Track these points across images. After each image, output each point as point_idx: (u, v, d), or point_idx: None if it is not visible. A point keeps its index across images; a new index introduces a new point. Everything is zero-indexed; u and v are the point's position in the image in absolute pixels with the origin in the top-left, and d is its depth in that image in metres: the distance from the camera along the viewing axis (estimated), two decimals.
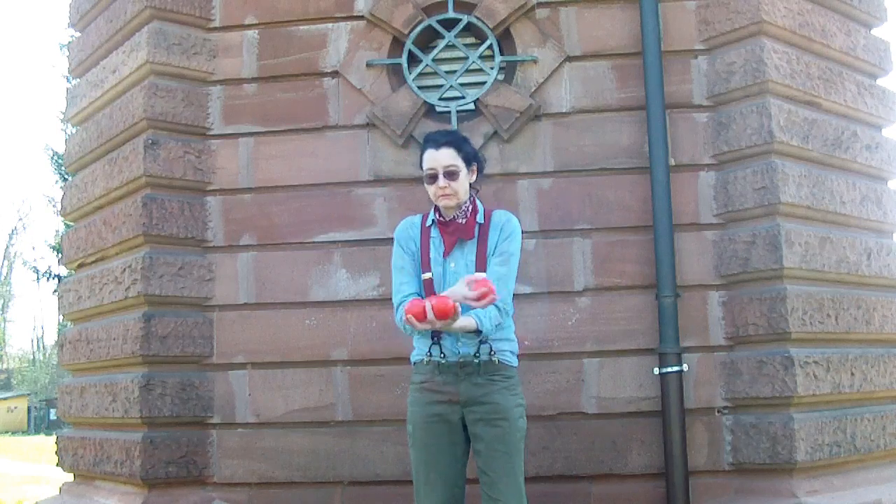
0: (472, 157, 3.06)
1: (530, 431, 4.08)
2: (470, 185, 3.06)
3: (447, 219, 3.04)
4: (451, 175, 2.97)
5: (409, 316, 2.75)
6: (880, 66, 4.95)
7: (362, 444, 4.26)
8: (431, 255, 3.03)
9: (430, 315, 2.72)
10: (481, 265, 2.99)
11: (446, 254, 3.02)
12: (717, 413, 4.15)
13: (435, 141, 3.04)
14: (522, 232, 4.22)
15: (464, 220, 3.02)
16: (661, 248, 4.15)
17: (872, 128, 4.83)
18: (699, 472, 4.10)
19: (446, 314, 2.73)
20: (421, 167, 3.07)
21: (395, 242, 3.12)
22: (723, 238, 4.24)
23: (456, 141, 3.04)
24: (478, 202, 3.10)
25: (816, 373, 4.06)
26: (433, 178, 2.99)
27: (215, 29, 4.68)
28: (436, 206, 3.08)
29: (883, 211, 4.71)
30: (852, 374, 4.24)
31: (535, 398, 4.17)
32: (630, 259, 4.26)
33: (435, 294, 2.91)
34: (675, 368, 4.06)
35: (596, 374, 4.19)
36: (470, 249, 3.03)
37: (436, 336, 2.97)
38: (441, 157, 2.99)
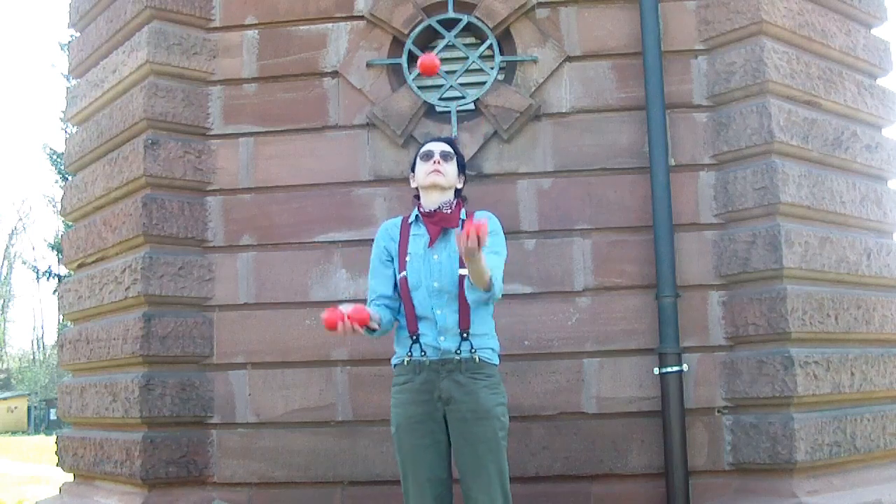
0: (462, 166, 3.21)
1: (531, 431, 4.13)
2: (457, 189, 3.15)
3: (431, 210, 3.08)
4: (446, 157, 3.11)
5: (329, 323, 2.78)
6: (880, 66, 4.95)
7: (362, 444, 4.26)
8: (410, 250, 3.06)
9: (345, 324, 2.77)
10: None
11: (431, 243, 3.04)
12: (717, 413, 4.15)
13: (436, 139, 3.24)
14: (522, 232, 4.27)
15: (449, 211, 3.08)
16: (661, 248, 4.15)
17: (872, 128, 4.83)
18: (699, 472, 4.10)
19: (363, 322, 2.79)
20: (413, 166, 3.19)
21: (374, 244, 3.17)
22: (723, 238, 4.24)
23: (454, 145, 3.22)
24: (463, 205, 3.17)
25: (816, 373, 4.06)
26: (429, 156, 3.11)
27: (215, 29, 4.68)
28: (418, 204, 3.14)
29: (883, 211, 4.71)
30: (852, 374, 4.24)
31: (535, 398, 4.18)
32: (630, 259, 4.26)
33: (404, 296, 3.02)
34: (675, 368, 4.06)
35: (596, 374, 4.19)
36: (454, 242, 3.04)
37: (415, 335, 3.00)
38: (440, 145, 3.16)
